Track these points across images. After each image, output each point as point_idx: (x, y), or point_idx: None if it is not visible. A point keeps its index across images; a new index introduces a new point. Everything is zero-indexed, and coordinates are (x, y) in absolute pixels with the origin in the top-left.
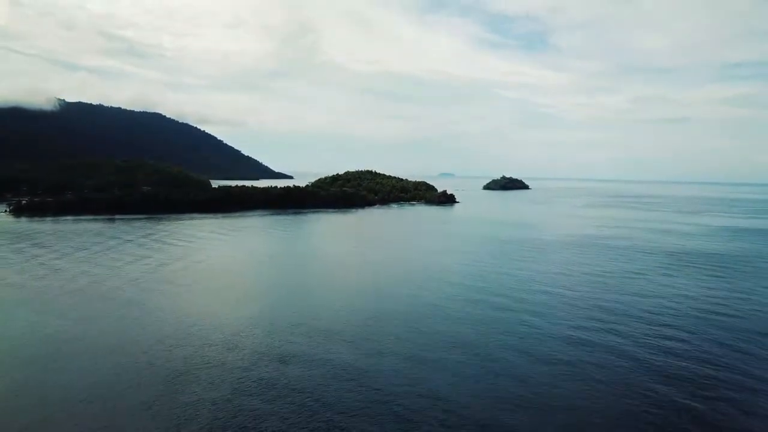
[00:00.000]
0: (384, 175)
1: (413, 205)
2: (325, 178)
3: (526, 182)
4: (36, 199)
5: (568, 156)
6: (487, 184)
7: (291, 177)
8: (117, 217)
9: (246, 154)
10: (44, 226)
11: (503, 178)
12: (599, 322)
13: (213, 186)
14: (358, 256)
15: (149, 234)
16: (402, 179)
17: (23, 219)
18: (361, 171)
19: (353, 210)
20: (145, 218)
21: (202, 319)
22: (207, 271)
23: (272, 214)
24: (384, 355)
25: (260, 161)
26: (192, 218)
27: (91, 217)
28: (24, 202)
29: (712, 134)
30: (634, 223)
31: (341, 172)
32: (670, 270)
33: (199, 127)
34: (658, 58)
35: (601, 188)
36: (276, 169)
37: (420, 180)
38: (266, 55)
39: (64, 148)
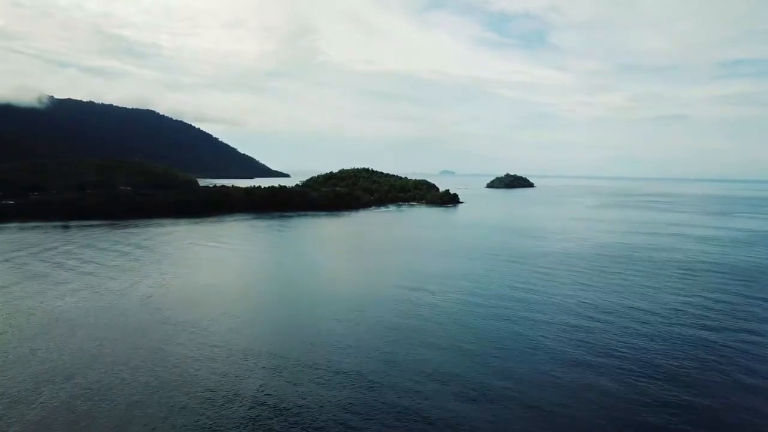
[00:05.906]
0: (381, 173)
1: (413, 206)
2: (318, 176)
3: (530, 180)
4: None
5: (568, 154)
6: (491, 182)
7: (288, 175)
8: (73, 223)
9: (242, 152)
10: None
11: (507, 175)
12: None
13: (201, 185)
14: (328, 282)
15: (89, 244)
16: (401, 177)
17: None
18: (357, 169)
19: (345, 213)
20: (105, 224)
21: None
22: (107, 311)
23: (253, 219)
24: None
25: (257, 159)
26: (160, 224)
27: (40, 223)
28: None
29: (711, 131)
30: (664, 228)
31: (336, 170)
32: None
33: (194, 124)
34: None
35: (606, 186)
36: (275, 168)
37: (420, 178)
38: (266, 55)
39: (53, 147)
